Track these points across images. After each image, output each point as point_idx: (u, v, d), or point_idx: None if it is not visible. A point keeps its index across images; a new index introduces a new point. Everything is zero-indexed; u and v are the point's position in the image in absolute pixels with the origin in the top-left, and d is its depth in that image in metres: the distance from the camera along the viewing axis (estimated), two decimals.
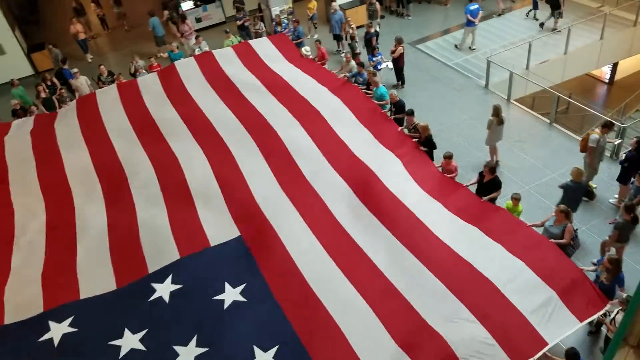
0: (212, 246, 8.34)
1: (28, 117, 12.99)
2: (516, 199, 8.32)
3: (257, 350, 6.69)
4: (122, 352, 6.93)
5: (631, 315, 3.83)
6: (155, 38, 17.07)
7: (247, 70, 12.99)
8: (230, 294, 7.48)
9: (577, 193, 8.67)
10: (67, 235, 9.12)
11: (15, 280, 8.32)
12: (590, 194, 9.14)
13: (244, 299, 7.40)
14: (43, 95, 13.54)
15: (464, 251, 7.52)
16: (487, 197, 8.51)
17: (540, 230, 7.87)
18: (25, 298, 7.92)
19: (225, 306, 7.32)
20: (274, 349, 6.70)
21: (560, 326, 6.47)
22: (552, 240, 7.44)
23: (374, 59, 13.22)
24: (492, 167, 8.55)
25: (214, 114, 11.56)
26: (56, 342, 7.16)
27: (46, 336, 7.23)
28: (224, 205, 9.20)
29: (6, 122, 12.88)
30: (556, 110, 12.22)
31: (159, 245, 8.47)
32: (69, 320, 7.40)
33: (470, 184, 8.92)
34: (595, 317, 6.62)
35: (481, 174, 8.80)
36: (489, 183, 8.65)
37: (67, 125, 12.13)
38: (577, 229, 7.81)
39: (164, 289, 7.69)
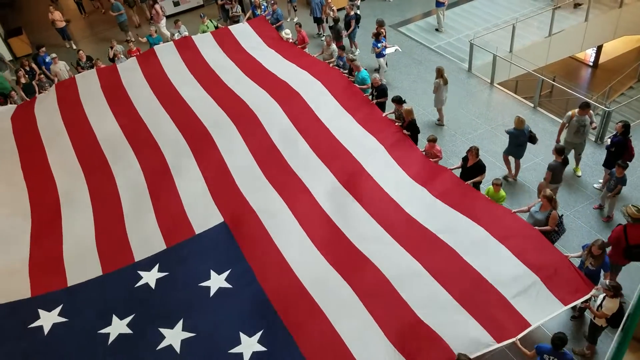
0: (197, 234, 8.39)
1: (9, 103, 12.82)
2: (497, 184, 8.23)
3: (242, 336, 6.78)
4: (111, 339, 7.00)
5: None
6: (119, 24, 16.80)
7: (227, 57, 12.91)
8: (216, 281, 7.55)
9: (519, 138, 9.58)
10: (53, 222, 9.11)
11: (3, 266, 8.29)
12: (532, 139, 9.65)
13: (229, 285, 7.47)
14: (23, 80, 13.30)
15: (446, 236, 7.60)
16: (471, 180, 8.56)
17: (525, 216, 7.93)
18: (12, 283, 7.93)
19: (212, 293, 7.40)
20: (259, 334, 6.80)
21: (543, 309, 6.58)
22: (536, 227, 7.50)
23: (379, 44, 12.90)
24: (476, 151, 8.56)
25: (194, 100, 11.48)
26: (46, 330, 7.21)
27: (36, 323, 7.30)
28: (206, 191, 9.21)
29: None
30: (540, 93, 12.26)
31: (145, 235, 8.52)
32: (58, 309, 7.47)
33: (455, 168, 8.97)
34: (579, 301, 6.70)
35: (465, 159, 8.83)
36: (473, 167, 8.69)
37: (47, 111, 11.97)
38: (562, 215, 7.88)
39: (150, 277, 7.76)
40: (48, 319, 7.35)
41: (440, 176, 8.60)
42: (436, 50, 14.94)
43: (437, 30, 16.11)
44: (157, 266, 7.91)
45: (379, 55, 13.08)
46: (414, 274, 7.21)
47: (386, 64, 13.56)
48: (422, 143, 9.61)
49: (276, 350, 6.63)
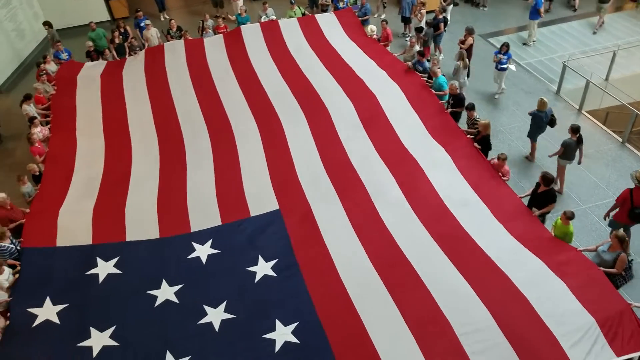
0: (252, 216, 8.58)
1: (101, 60, 13.64)
2: (569, 217, 7.55)
3: (278, 323, 6.91)
4: (158, 302, 7.35)
5: None
6: (214, 0, 17.30)
7: (308, 45, 13.04)
8: (263, 268, 7.72)
9: (540, 120, 10.10)
10: (122, 179, 9.67)
11: (69, 209, 8.87)
12: (552, 122, 10.11)
13: (274, 274, 7.62)
14: (117, 40, 14.05)
15: (503, 263, 7.29)
16: (540, 210, 8.11)
17: (591, 255, 7.44)
18: (76, 226, 8.48)
19: (257, 279, 7.58)
20: (294, 325, 6.88)
21: (592, 355, 6.17)
22: (601, 268, 7.02)
23: (499, 55, 12.16)
24: (547, 179, 8.09)
25: (270, 86, 11.71)
26: (101, 278, 7.68)
27: (93, 271, 7.78)
28: (267, 175, 9.39)
29: (80, 62, 13.58)
30: (631, 129, 11.37)
31: (204, 208, 8.82)
32: (115, 260, 7.93)
33: (525, 196, 8.47)
34: (635, 355, 6.23)
35: (537, 185, 8.37)
36: (542, 195, 8.18)
37: (134, 74, 12.66)
38: (632, 260, 7.30)
39: (203, 251, 8.06)
40: (104, 269, 7.81)
41: (507, 201, 8.24)
42: (524, 66, 14.26)
43: (524, 44, 15.35)
44: (210, 241, 8.19)
45: (501, 69, 12.39)
46: (462, 295, 6.98)
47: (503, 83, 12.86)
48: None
49: (308, 345, 6.67)
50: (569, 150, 9.33)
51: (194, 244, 8.18)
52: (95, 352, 6.67)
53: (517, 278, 7.03)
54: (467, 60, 11.98)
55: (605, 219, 8.62)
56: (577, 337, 6.30)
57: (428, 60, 11.97)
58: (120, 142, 10.65)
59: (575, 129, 9.21)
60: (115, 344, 6.79)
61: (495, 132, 11.32)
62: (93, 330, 6.92)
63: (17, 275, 7.63)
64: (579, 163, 9.71)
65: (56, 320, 7.08)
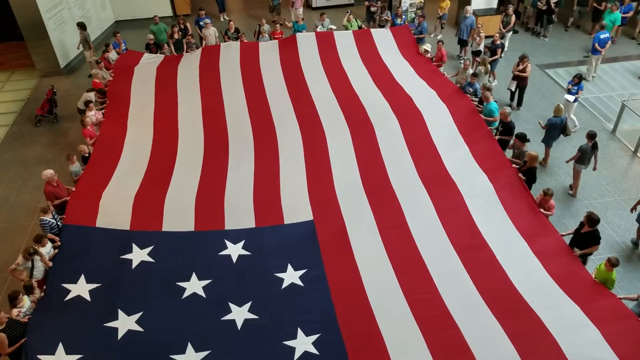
0: (285, 224, 8.66)
1: (159, 53, 14.11)
2: (613, 264, 7.16)
3: (300, 332, 6.91)
4: (185, 294, 7.49)
5: None
6: (273, 6, 17.56)
7: (360, 59, 13.08)
8: (291, 276, 7.77)
9: (555, 126, 10.57)
10: (165, 171, 9.94)
11: (111, 192, 9.18)
12: (564, 129, 10.56)
13: (301, 284, 7.65)
14: (176, 36, 14.51)
15: (536, 303, 7.05)
16: (582, 251, 7.79)
17: (631, 304, 7.08)
18: (116, 210, 8.75)
19: (283, 285, 7.62)
20: (316, 336, 6.87)
21: None
22: None
23: (571, 85, 11.89)
24: (593, 219, 7.75)
25: (319, 96, 11.80)
26: (134, 264, 7.89)
27: (127, 255, 8.00)
28: (305, 185, 9.45)
29: (139, 52, 14.11)
30: None
31: (239, 208, 8.96)
32: (149, 249, 8.14)
33: (567, 234, 8.16)
34: None
35: (581, 224, 8.06)
36: (586, 235, 7.85)
37: (188, 71, 13.03)
38: None
39: (234, 250, 8.18)
40: (138, 255, 8.02)
41: (548, 238, 7.95)
42: (581, 101, 13.79)
43: (584, 78, 14.86)
44: (242, 242, 8.29)
45: (574, 99, 12.06)
46: (491, 331, 6.81)
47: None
48: (534, 194, 8.92)
49: (327, 357, 6.63)
50: (585, 156, 9.79)
51: (226, 241, 8.31)
52: (120, 334, 6.84)
53: (549, 320, 6.78)
54: (489, 65, 12.86)
55: (632, 212, 8.89)
56: None
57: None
58: (167, 135, 10.96)
59: (591, 135, 9.66)
60: (140, 329, 6.94)
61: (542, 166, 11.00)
62: (121, 313, 7.10)
63: (56, 250, 7.93)
64: (594, 169, 10.17)
65: (87, 297, 7.31)
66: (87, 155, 10.06)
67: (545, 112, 12.93)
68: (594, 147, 9.75)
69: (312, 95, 11.83)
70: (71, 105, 13.50)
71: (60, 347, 6.55)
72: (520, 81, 12.74)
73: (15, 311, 6.93)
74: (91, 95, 11.85)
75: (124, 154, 10.32)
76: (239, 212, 8.88)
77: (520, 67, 12.48)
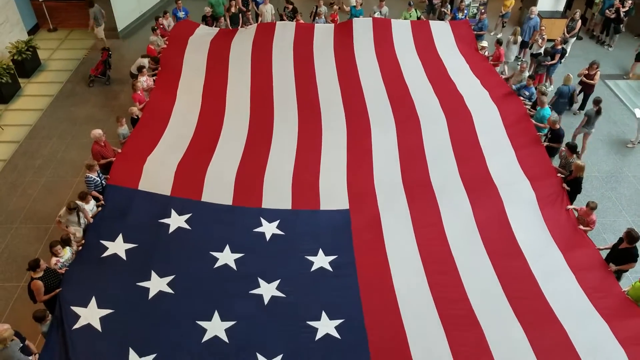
0: (320, 210, 8.72)
1: (215, 26, 14.25)
2: None
3: (324, 315, 6.99)
4: (217, 264, 7.66)
5: None
6: None
7: (415, 51, 12.84)
8: (321, 260, 7.83)
9: (564, 93, 11.57)
10: (209, 142, 10.12)
11: (156, 158, 9.41)
12: (572, 97, 11.65)
13: (331, 269, 7.70)
14: (233, 10, 14.60)
15: (564, 316, 6.90)
16: (617, 267, 7.55)
17: None
18: (159, 176, 8.98)
19: (313, 268, 7.70)
20: (339, 321, 6.93)
21: None
22: None
23: None
24: (632, 237, 7.46)
25: (368, 84, 11.70)
26: (171, 229, 8.11)
27: (165, 220, 8.23)
28: (344, 175, 9.45)
29: (195, 22, 14.25)
30: None
31: (278, 189, 9.06)
32: (187, 216, 8.34)
33: (604, 248, 7.93)
34: None
35: (620, 240, 7.77)
36: (623, 251, 7.60)
37: (242, 46, 13.10)
38: None
39: (269, 229, 8.31)
40: (176, 221, 8.23)
41: (584, 250, 7.73)
42: None
43: None
44: (277, 222, 8.41)
45: None
46: (514, 339, 6.72)
47: None
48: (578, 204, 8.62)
49: (347, 343, 6.68)
50: (590, 119, 10.79)
51: (262, 219, 8.42)
52: (151, 295, 7.07)
53: (576, 337, 6.62)
54: (519, 36, 13.45)
55: None
56: None
57: (536, 88, 11.40)
58: (215, 108, 11.11)
59: (597, 102, 10.61)
60: (171, 291, 7.15)
61: (590, 177, 10.60)
62: (154, 274, 7.32)
63: (99, 209, 8.22)
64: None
65: (123, 256, 7.56)
66: (135, 118, 10.32)
67: (598, 124, 12.43)
68: (598, 112, 10.64)
69: (362, 85, 11.73)
70: (124, 69, 13.85)
71: (93, 300, 6.83)
72: (587, 88, 12.28)
73: (54, 260, 7.24)
74: (145, 61, 12.12)
75: (171, 122, 10.53)
76: (277, 192, 8.97)
77: (589, 72, 12.01)
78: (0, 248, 9.21)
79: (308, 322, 6.88)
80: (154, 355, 6.35)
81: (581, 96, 12.57)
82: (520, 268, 7.60)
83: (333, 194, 8.98)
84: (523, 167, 9.27)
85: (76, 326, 6.49)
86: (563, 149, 9.45)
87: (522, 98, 11.08)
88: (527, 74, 12.08)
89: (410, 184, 9.18)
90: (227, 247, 7.88)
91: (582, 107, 12.70)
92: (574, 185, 8.76)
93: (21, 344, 6.20)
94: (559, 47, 13.12)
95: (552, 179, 8.90)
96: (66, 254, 7.38)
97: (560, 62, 13.55)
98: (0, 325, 6.06)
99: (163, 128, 10.29)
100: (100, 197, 8.42)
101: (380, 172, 9.46)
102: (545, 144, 9.80)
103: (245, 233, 8.15)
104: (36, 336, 6.82)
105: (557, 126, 9.87)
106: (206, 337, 6.63)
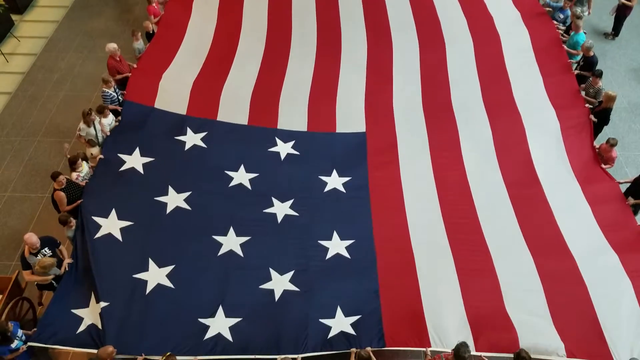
0: (337, 132, 8.63)
1: None
2: None
3: (335, 235, 7.14)
4: (232, 183, 7.76)
5: None
6: None
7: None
8: (335, 180, 7.86)
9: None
10: (225, 61, 9.87)
11: (171, 75, 9.28)
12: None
13: (344, 190, 7.74)
14: None
15: (575, 247, 6.91)
16: (635, 201, 7.44)
17: None
18: (174, 94, 8.91)
19: (326, 189, 7.75)
20: (350, 241, 7.10)
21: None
22: None
23: None
24: None
25: (392, 3, 10.97)
26: (187, 147, 8.18)
27: (181, 137, 8.28)
28: (362, 98, 9.24)
29: None
30: None
31: (293, 110, 8.95)
32: (202, 134, 8.37)
33: (624, 182, 7.79)
34: None
35: None
36: None
37: None
38: None
39: (284, 149, 8.31)
40: (192, 139, 8.27)
41: (603, 183, 7.62)
42: None
43: None
44: (293, 142, 8.38)
45: None
46: (522, 263, 6.79)
47: None
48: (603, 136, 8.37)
49: (357, 262, 6.85)
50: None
51: (277, 139, 8.41)
52: (168, 210, 7.26)
53: (585, 268, 6.66)
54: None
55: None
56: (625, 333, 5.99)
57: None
58: (231, 25, 10.71)
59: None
60: (188, 207, 7.33)
61: (618, 109, 10.19)
62: (171, 190, 7.48)
63: (117, 123, 8.26)
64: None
65: (141, 170, 7.70)
66: (151, 32, 10.07)
67: (632, 53, 11.78)
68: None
69: (385, 2, 11.09)
70: None
71: (113, 212, 7.06)
72: (623, 9, 11.47)
73: (74, 174, 7.43)
74: None
75: (186, 37, 10.25)
76: (293, 113, 8.87)
77: None
78: (24, 160, 9.45)
79: (319, 242, 7.04)
80: (172, 267, 6.63)
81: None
82: (536, 197, 7.54)
83: (350, 116, 8.85)
84: (550, 95, 8.93)
85: (98, 235, 6.76)
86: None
87: (555, 22, 10.43)
88: None
89: (431, 107, 8.96)
90: (242, 166, 7.94)
91: (616, 34, 11.97)
92: (601, 116, 8.44)
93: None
94: None
95: (580, 109, 8.57)
96: (84, 168, 7.54)
97: None
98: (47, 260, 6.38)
99: (178, 43, 10.04)
100: (119, 108, 8.45)
101: (400, 95, 9.23)
102: (576, 72, 9.35)
103: (260, 153, 8.18)
104: (64, 241, 7.13)
105: (591, 53, 9.34)
106: (222, 251, 6.87)
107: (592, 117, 8.42)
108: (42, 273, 6.39)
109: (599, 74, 8.77)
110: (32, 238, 6.38)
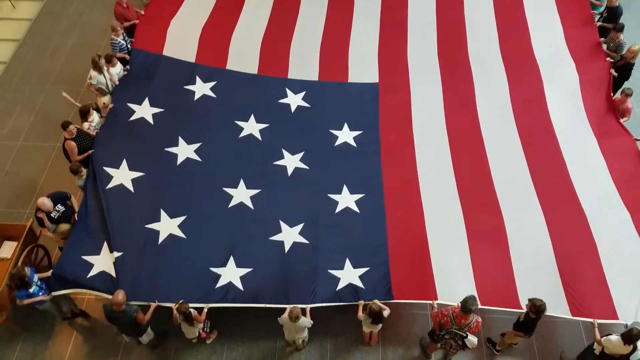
0: (348, 82, 8.46)
1: None
2: None
3: (345, 189, 7.15)
4: (243, 133, 7.71)
5: None
6: None
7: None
8: (345, 135, 7.78)
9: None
10: (234, 6, 9.58)
11: (180, 22, 9.06)
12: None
13: (354, 144, 7.67)
14: None
15: (586, 201, 6.87)
16: None
17: None
18: (183, 41, 8.74)
19: (337, 143, 7.69)
20: (360, 195, 7.10)
21: None
22: None
23: None
24: None
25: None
26: (196, 96, 8.09)
27: (190, 87, 8.18)
28: (375, 47, 9.01)
29: None
30: None
31: (304, 58, 8.78)
32: (212, 84, 8.26)
33: None
34: None
35: None
36: None
37: None
38: None
39: (294, 100, 8.18)
40: (201, 89, 8.17)
41: (620, 139, 7.52)
42: None
43: None
44: (303, 93, 8.24)
45: None
46: (531, 223, 6.76)
47: None
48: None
49: (366, 216, 6.89)
50: None
51: (287, 90, 8.28)
52: (179, 160, 7.28)
53: (595, 224, 6.66)
54: None
55: None
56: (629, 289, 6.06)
57: None
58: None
59: None
60: (198, 158, 7.33)
61: None
62: (181, 141, 7.46)
63: (125, 72, 8.16)
64: None
65: (151, 120, 7.67)
66: None
67: None
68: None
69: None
70: None
71: (125, 163, 7.08)
72: None
73: (85, 124, 7.40)
74: None
75: None
76: (304, 62, 8.70)
77: None
78: (35, 109, 9.43)
79: (329, 195, 7.05)
80: (183, 217, 6.70)
81: None
82: (551, 151, 7.48)
83: (362, 65, 8.66)
84: (570, 47, 8.68)
85: (110, 186, 6.82)
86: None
87: None
88: None
89: (446, 56, 8.75)
90: (252, 117, 7.87)
91: None
92: (623, 71, 8.19)
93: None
94: None
95: (600, 63, 8.34)
96: (95, 117, 7.51)
97: None
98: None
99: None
100: (127, 57, 8.33)
101: (415, 45, 8.98)
102: (599, 24, 8.98)
103: (270, 103, 8.09)
104: (75, 191, 7.20)
105: (616, 3, 8.94)
106: (232, 203, 6.92)
107: (612, 71, 8.16)
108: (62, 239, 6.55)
109: (620, 28, 8.42)
110: (45, 204, 6.40)
